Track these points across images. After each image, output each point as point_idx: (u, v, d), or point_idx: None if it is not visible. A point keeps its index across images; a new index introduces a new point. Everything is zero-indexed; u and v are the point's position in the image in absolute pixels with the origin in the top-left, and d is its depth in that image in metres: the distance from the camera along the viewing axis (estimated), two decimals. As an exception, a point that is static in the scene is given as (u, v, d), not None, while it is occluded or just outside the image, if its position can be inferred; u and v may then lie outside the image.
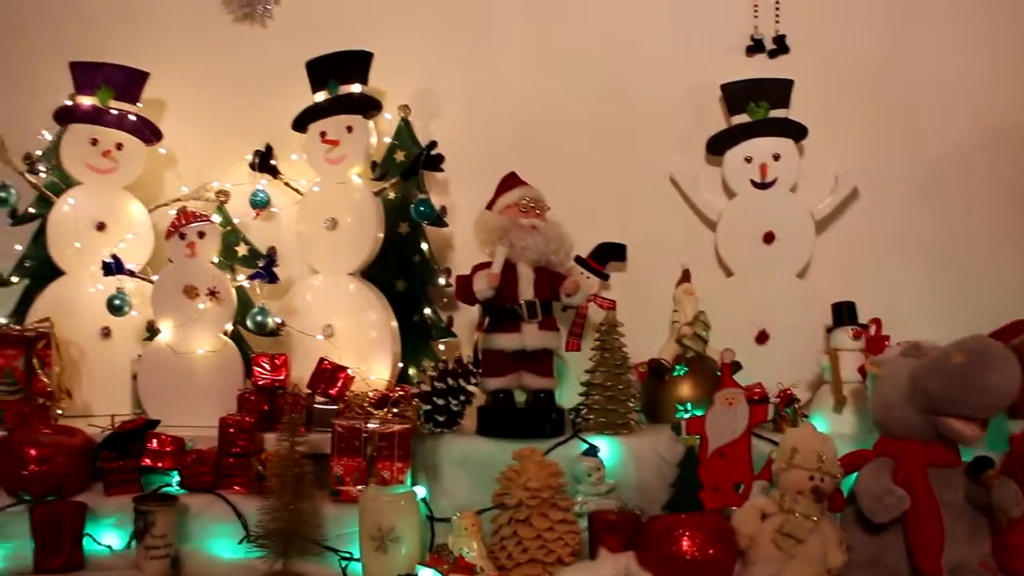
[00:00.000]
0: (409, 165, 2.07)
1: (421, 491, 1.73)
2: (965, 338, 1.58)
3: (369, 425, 1.75)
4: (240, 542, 1.68)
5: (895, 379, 1.62)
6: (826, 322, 2.01)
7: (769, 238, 2.10)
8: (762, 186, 2.11)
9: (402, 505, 1.63)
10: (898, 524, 1.56)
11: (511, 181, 1.94)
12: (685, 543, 1.56)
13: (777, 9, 2.17)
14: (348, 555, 1.64)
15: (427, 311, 2.10)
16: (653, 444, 1.84)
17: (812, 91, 2.17)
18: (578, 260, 2.11)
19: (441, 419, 1.84)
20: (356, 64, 2.08)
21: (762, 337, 2.09)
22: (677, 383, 1.95)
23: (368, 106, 2.08)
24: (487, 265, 1.85)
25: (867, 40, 2.20)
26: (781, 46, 2.18)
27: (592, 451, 1.78)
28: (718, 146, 2.14)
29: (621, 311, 2.04)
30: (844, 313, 1.97)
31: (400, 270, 2.11)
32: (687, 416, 1.83)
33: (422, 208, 2.03)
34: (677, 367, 1.96)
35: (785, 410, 1.90)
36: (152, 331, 2.05)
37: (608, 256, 2.13)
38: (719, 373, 1.92)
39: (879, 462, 1.60)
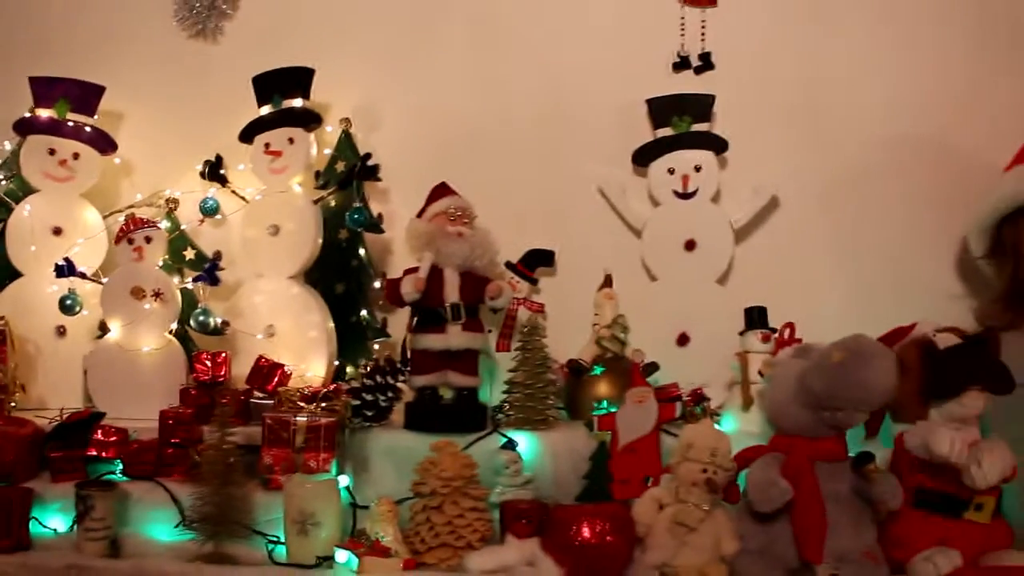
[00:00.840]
0: (345, 175, 2.19)
1: (344, 480, 1.84)
2: (846, 338, 1.68)
3: (298, 418, 1.85)
4: (176, 526, 1.78)
5: (785, 379, 1.73)
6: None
7: (690, 245, 2.21)
8: (684, 196, 2.22)
9: (323, 492, 1.75)
10: (787, 515, 1.66)
11: (440, 191, 2.05)
12: (586, 530, 1.67)
13: (703, 28, 2.28)
14: (275, 538, 1.74)
15: (363, 313, 2.21)
16: (568, 439, 1.94)
17: (735, 106, 2.28)
18: (508, 265, 2.22)
19: (370, 414, 1.95)
20: (299, 80, 2.20)
21: (683, 339, 2.19)
22: (595, 382, 2.04)
23: (309, 119, 2.20)
24: (416, 270, 1.95)
25: (786, 57, 2.31)
26: (706, 63, 2.29)
27: (510, 445, 1.89)
28: (643, 158, 2.25)
29: (551, 314, 2.20)
30: (755, 317, 2.07)
31: (339, 274, 2.23)
32: (601, 413, 1.96)
33: (356, 216, 2.16)
34: (595, 367, 2.06)
35: (695, 408, 2.01)
36: (104, 330, 2.16)
37: (537, 262, 2.24)
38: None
39: (769, 457, 1.71)
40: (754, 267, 2.27)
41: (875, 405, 1.67)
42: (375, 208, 2.25)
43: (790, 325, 2.08)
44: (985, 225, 2.05)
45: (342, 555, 1.67)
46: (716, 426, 1.98)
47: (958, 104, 2.28)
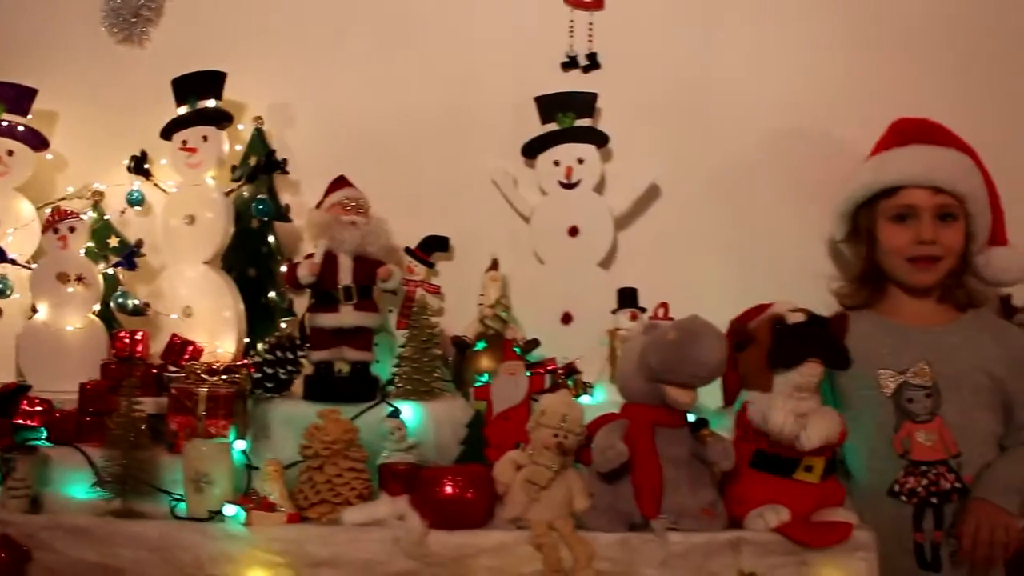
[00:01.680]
0: (252, 170, 2.39)
1: (241, 444, 2.04)
2: (683, 318, 1.86)
3: (201, 389, 2.06)
4: (91, 486, 1.98)
5: (631, 353, 1.90)
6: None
7: (573, 232, 2.39)
8: (568, 186, 2.40)
9: (216, 454, 1.95)
10: (629, 475, 1.84)
11: (337, 184, 2.25)
12: (448, 488, 1.85)
13: (590, 30, 2.45)
14: (177, 496, 1.95)
15: (272, 295, 2.41)
16: (451, 409, 2.13)
17: (620, 102, 2.46)
18: (407, 251, 2.42)
19: (271, 385, 2.14)
20: (212, 82, 2.39)
21: (566, 318, 2.38)
22: (478, 357, 2.26)
23: (221, 118, 2.39)
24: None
25: (671, 57, 2.48)
26: (593, 62, 2.46)
27: (395, 413, 2.06)
28: (531, 151, 2.43)
29: (449, 295, 2.41)
30: (626, 297, 2.27)
31: (251, 259, 2.43)
32: (478, 385, 2.15)
33: (260, 206, 2.37)
34: (478, 343, 2.27)
35: (567, 380, 2.21)
36: (35, 311, 2.36)
37: (434, 247, 2.42)
38: (518, 349, 2.25)
39: (615, 423, 1.88)
40: (636, 252, 2.45)
41: (705, 379, 1.84)
42: (287, 199, 2.45)
43: (664, 305, 2.27)
44: (843, 211, 2.23)
45: (231, 509, 1.86)
46: (586, 397, 2.20)
47: (833, 98, 2.44)
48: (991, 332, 2.15)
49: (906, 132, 2.20)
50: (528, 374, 2.13)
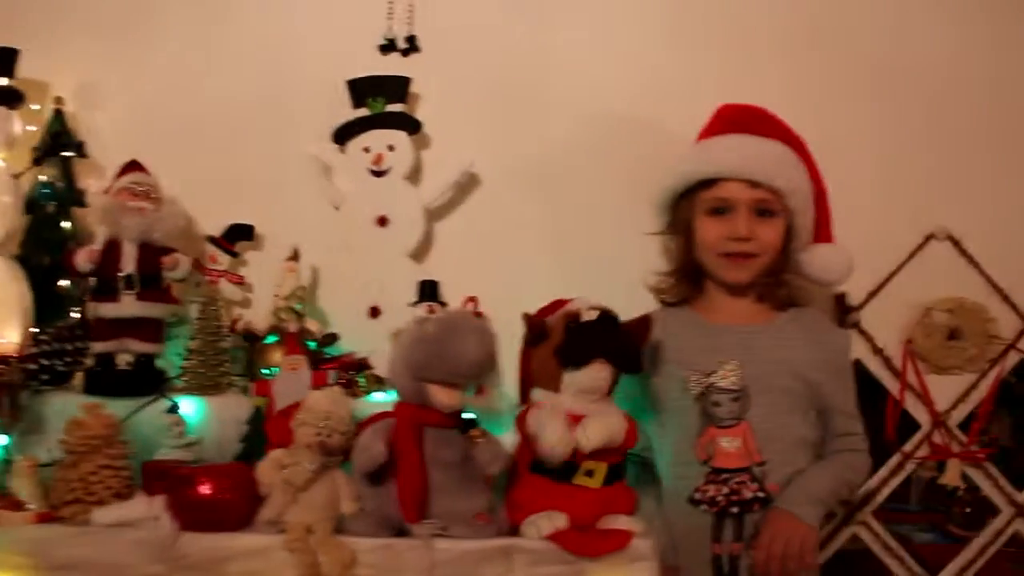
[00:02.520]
0: (42, 152, 2.28)
1: (3, 439, 1.96)
2: (445, 313, 1.78)
3: (-38, 382, 1.98)
4: None
5: (399, 349, 1.82)
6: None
7: (383, 222, 2.30)
8: (377, 174, 2.31)
9: (-38, 450, 1.88)
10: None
11: (128, 168, 2.15)
12: (204, 487, 1.76)
13: (410, 12, 2.36)
14: (-69, 494, 1.86)
15: (64, 283, 2.28)
16: (236, 404, 2.04)
17: (440, 87, 2.37)
18: (211, 239, 2.32)
19: (47, 378, 2.05)
20: (2, 60, 2.26)
21: (374, 312, 2.28)
22: (269, 350, 2.15)
23: (12, 98, 2.27)
24: (106, 243, 2.07)
25: (493, 41, 2.38)
26: (412, 46, 2.37)
27: (173, 409, 1.99)
28: (342, 137, 2.34)
29: (257, 287, 2.33)
30: (426, 291, 2.17)
31: (46, 246, 2.30)
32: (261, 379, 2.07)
33: (44, 191, 2.26)
34: (268, 335, 2.17)
35: (357, 376, 2.12)
36: None
37: (238, 236, 2.33)
38: (314, 344, 2.17)
39: (382, 423, 1.80)
40: (452, 244, 2.37)
41: (466, 378, 1.76)
42: (94, 184, 2.32)
43: (472, 299, 2.20)
44: (662, 202, 2.12)
45: (-26, 506, 1.79)
46: (380, 394, 2.12)
47: (664, 86, 2.36)
48: (809, 333, 2.05)
49: (728, 120, 2.09)
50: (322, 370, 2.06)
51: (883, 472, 2.38)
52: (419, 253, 2.33)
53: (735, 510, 1.94)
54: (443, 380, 1.75)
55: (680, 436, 2.00)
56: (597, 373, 1.78)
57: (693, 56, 2.37)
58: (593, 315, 1.81)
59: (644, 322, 1.87)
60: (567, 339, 1.80)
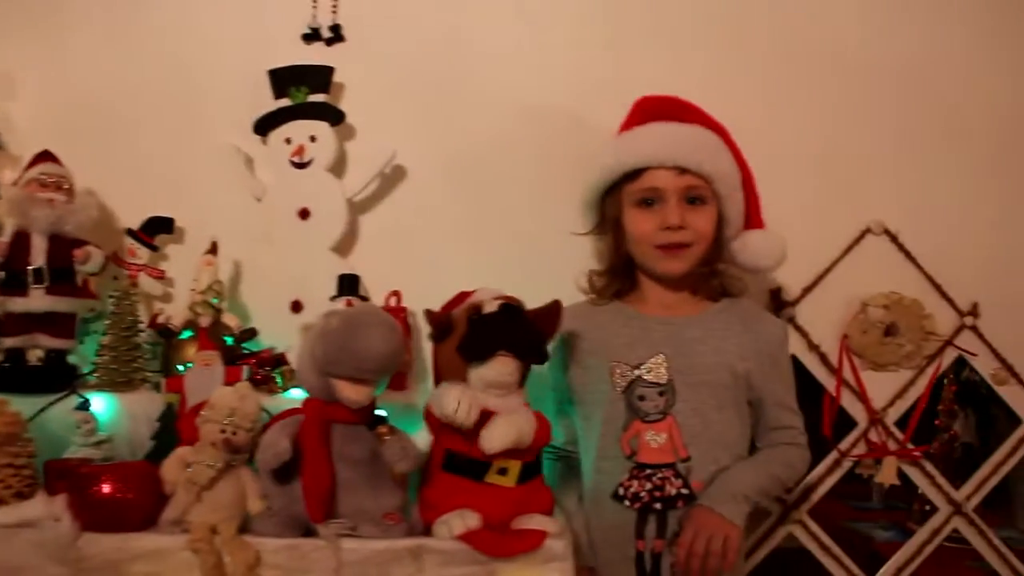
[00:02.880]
0: (-59, 143, 2.23)
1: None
2: (353, 306, 1.73)
3: None
4: None
5: (306, 344, 1.78)
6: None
7: (305, 214, 2.25)
8: (299, 165, 2.26)
9: None
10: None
11: (38, 158, 2.10)
12: (105, 487, 1.71)
13: (335, 0, 2.32)
14: None
15: (-25, 278, 2.25)
16: (148, 401, 1.99)
17: (366, 77, 2.32)
18: (130, 232, 2.26)
19: (-48, 375, 2.01)
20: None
21: (296, 306, 2.23)
22: (185, 346, 2.11)
23: (-76, 90, 2.23)
24: (16, 236, 2.01)
25: (421, 31, 2.33)
26: (337, 35, 2.32)
27: (83, 406, 1.94)
28: (263, 128, 2.28)
29: (179, 281, 2.27)
30: (345, 284, 2.13)
31: (-43, 239, 2.26)
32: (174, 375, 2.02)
33: (-63, 184, 2.21)
34: (185, 331, 2.13)
35: (273, 372, 2.07)
36: None
37: (158, 229, 2.27)
38: (229, 339, 2.12)
39: (289, 419, 1.75)
40: (377, 237, 2.31)
41: (373, 373, 1.71)
42: (7, 175, 2.25)
43: (396, 293, 2.15)
44: (588, 200, 2.07)
45: None
46: (297, 390, 2.06)
47: (593, 78, 2.30)
48: (741, 323, 1.99)
49: (648, 110, 2.03)
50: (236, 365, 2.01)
51: (820, 470, 2.33)
52: (342, 246, 2.27)
53: (658, 506, 1.89)
54: (349, 375, 1.70)
55: (605, 430, 1.96)
56: (502, 366, 1.73)
57: (620, 48, 2.31)
58: (495, 307, 1.77)
59: (551, 311, 1.82)
60: (468, 333, 1.76)
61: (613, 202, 2.02)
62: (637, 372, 1.94)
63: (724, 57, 2.32)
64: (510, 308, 1.77)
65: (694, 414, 1.92)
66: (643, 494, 1.90)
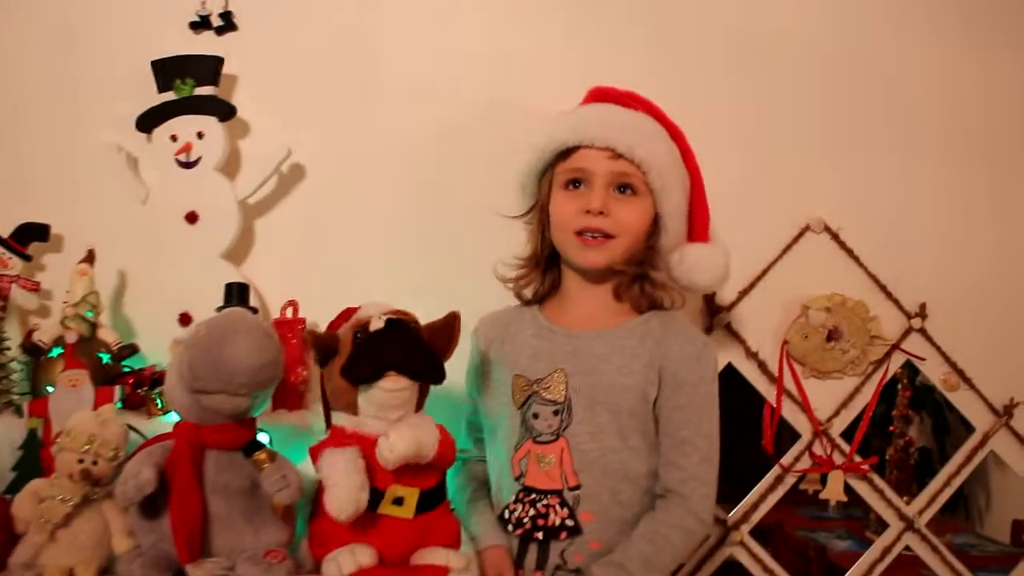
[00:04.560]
0: None
1: None
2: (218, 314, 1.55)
3: None
4: None
5: (174, 359, 1.58)
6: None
7: (192, 218, 2.06)
8: (186, 165, 2.07)
9: None
10: (174, 509, 1.54)
11: None
12: (-55, 527, 1.54)
13: (226, -15, 2.15)
14: None
15: None
16: (6, 427, 1.79)
17: (261, 67, 2.13)
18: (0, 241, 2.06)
19: None
20: None
21: (184, 319, 2.04)
22: (54, 364, 1.90)
23: None
24: None
25: (325, 14, 2.15)
26: (228, 23, 2.13)
27: (-68, 434, 1.76)
28: (146, 124, 2.09)
29: (57, 293, 2.06)
30: (233, 294, 1.93)
31: None
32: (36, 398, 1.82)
33: None
34: (55, 348, 1.92)
35: (151, 392, 1.88)
36: None
37: (31, 237, 2.06)
38: (107, 356, 1.92)
39: (157, 446, 1.56)
40: (276, 243, 2.13)
41: (245, 387, 1.51)
42: None
43: (292, 303, 1.97)
44: (522, 182, 1.87)
45: None
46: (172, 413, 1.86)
47: (506, 62, 2.14)
48: (658, 341, 1.76)
49: (597, 95, 1.86)
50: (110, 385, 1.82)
51: (761, 487, 2.18)
52: (235, 253, 2.09)
53: (539, 536, 1.71)
54: (219, 391, 1.51)
55: (504, 447, 1.79)
56: (392, 386, 1.55)
57: (542, 39, 2.15)
58: (381, 323, 1.59)
59: (447, 325, 1.63)
60: (353, 353, 1.58)
61: (544, 183, 1.83)
62: (535, 388, 1.77)
63: (649, 40, 2.15)
64: (397, 323, 1.58)
65: (591, 439, 1.73)
66: (526, 520, 1.73)
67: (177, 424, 1.57)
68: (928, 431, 4.10)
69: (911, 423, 4.03)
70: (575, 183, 1.77)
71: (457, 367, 1.76)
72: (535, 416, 1.74)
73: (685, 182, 1.82)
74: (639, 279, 1.82)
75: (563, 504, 1.71)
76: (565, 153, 1.78)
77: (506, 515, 1.74)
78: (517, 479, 1.75)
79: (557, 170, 1.80)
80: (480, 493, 1.86)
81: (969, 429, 2.23)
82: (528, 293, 1.91)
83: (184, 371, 1.52)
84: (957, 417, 2.36)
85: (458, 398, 1.89)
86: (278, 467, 1.56)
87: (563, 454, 1.72)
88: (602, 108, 1.82)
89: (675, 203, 1.80)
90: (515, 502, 1.74)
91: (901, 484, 4.02)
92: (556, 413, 1.74)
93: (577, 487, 1.71)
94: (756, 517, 2.18)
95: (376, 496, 1.55)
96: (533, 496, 1.72)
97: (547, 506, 1.71)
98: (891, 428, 3.79)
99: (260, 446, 1.57)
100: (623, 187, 1.75)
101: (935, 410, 3.98)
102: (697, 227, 1.86)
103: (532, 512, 1.71)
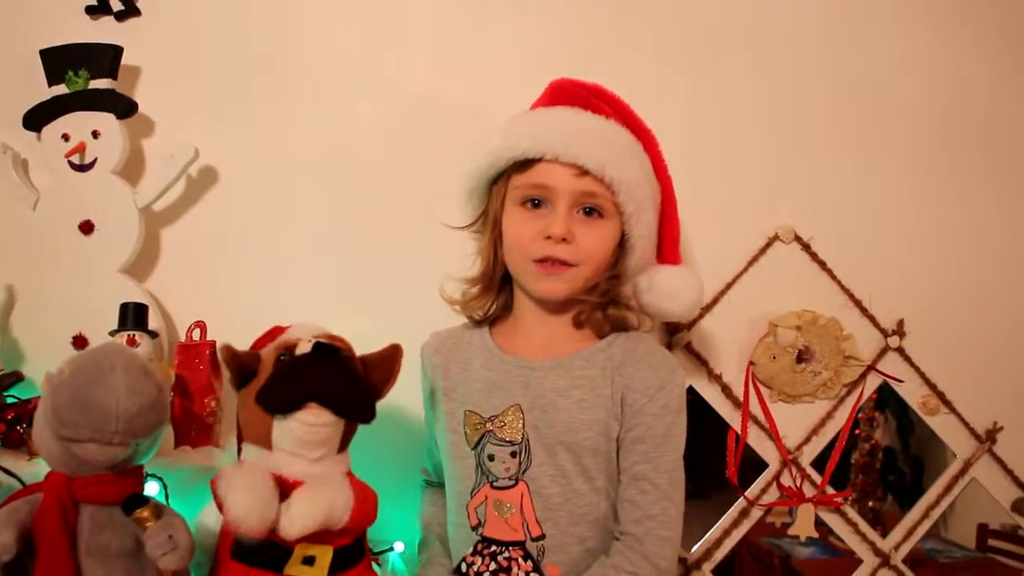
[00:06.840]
0: None
1: None
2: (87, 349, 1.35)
3: None
4: None
5: (43, 400, 1.37)
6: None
7: (88, 227, 1.85)
8: (80, 168, 1.86)
9: None
10: (45, 573, 1.33)
11: None
12: None
13: (130, -35, 1.92)
14: None
15: None
16: None
17: (167, 58, 1.93)
18: None
19: None
20: None
21: (80, 341, 1.83)
22: (-83, 395, 1.70)
23: None
24: None
25: (241, 2, 1.95)
26: (129, 7, 1.92)
27: None
28: (35, 121, 1.89)
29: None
30: (129, 315, 1.72)
31: None
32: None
33: None
34: (-81, 376, 1.71)
35: (23, 425, 1.65)
36: None
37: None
38: (-15, 383, 1.70)
39: (23, 500, 1.35)
40: (183, 256, 1.93)
41: (121, 434, 1.30)
42: None
43: (199, 324, 1.76)
44: (471, 187, 1.63)
45: None
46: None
47: (441, 54, 1.96)
48: (618, 368, 1.56)
49: (561, 93, 1.61)
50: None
51: (724, 522, 2.00)
52: (138, 267, 1.88)
53: None
54: (89, 439, 1.30)
55: (458, 490, 1.59)
56: (312, 419, 1.37)
57: (489, 21, 1.95)
58: (308, 347, 1.39)
59: (387, 357, 1.46)
60: (272, 376, 1.40)
61: (497, 194, 1.60)
62: (489, 426, 1.56)
63: (600, 30, 1.97)
64: (327, 348, 1.40)
65: (553, 482, 1.53)
66: (486, 574, 1.53)
67: (48, 475, 1.36)
68: (892, 430, 4.02)
69: (877, 426, 3.95)
70: (534, 202, 1.55)
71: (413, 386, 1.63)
72: (490, 458, 1.54)
73: (656, 199, 1.61)
74: (599, 304, 1.61)
75: (526, 557, 1.51)
76: (523, 163, 1.55)
77: (463, 568, 1.55)
78: (475, 528, 1.55)
79: (513, 182, 1.57)
80: (438, 541, 1.68)
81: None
82: (478, 315, 1.70)
83: (51, 415, 1.31)
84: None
85: (417, 418, 1.72)
86: (164, 526, 1.35)
87: (523, 500, 1.52)
88: (567, 113, 1.58)
89: (646, 224, 1.58)
90: (473, 554, 1.54)
91: (867, 488, 3.94)
92: (514, 455, 1.53)
93: (541, 537, 1.51)
94: (719, 555, 2.01)
95: (282, 553, 1.37)
96: (493, 548, 1.53)
97: (509, 559, 1.51)
98: (856, 432, 3.70)
99: (143, 501, 1.35)
100: (589, 209, 1.54)
101: (899, 409, 3.88)
102: (667, 247, 1.67)
103: (493, 566, 1.52)
